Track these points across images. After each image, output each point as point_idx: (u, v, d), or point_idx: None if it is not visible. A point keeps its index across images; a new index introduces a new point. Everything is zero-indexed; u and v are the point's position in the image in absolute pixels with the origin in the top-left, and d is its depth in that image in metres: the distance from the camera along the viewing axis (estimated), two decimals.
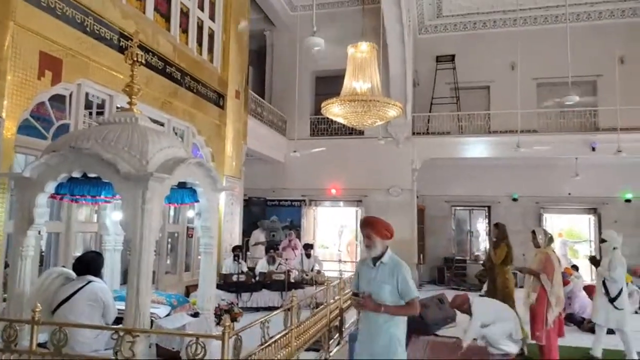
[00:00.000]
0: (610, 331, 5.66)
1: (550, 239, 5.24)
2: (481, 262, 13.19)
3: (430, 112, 13.23)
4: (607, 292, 5.40)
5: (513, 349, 5.53)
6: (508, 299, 5.82)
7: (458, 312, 7.35)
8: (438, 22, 13.95)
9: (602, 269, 5.54)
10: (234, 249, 8.49)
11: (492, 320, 5.56)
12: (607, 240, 5.66)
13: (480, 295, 10.57)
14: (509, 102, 12.13)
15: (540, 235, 5.21)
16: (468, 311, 5.68)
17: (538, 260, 5.13)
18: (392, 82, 12.20)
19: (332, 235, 13.28)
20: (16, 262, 3.50)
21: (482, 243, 14.11)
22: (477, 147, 12.60)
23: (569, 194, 12.94)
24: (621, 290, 5.40)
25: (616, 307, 5.34)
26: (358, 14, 12.91)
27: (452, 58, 13.55)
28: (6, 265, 4.29)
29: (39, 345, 3.13)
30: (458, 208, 14.27)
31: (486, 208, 13.87)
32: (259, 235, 8.75)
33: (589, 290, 7.51)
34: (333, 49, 11.11)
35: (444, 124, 12.92)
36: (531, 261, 5.38)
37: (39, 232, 3.68)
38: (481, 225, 14.17)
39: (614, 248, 5.58)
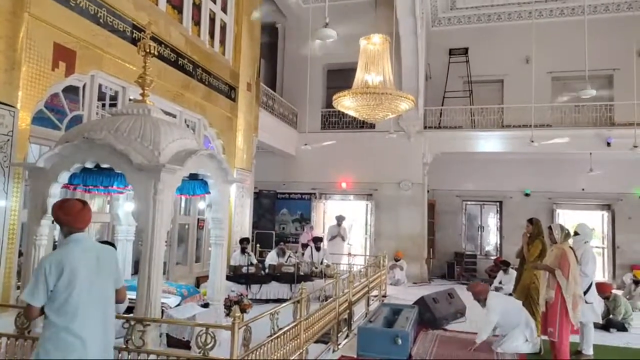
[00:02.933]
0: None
1: (567, 235, 5.18)
2: (492, 257, 13.15)
3: (442, 105, 13.11)
4: None
5: (527, 349, 5.51)
6: (534, 295, 5.79)
7: (468, 308, 7.37)
8: (451, 15, 13.77)
9: None
10: (241, 241, 8.51)
11: (504, 318, 5.56)
12: (580, 234, 5.65)
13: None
14: (523, 96, 11.95)
15: (557, 230, 5.16)
16: (483, 301, 5.70)
17: (554, 256, 5.07)
18: (405, 75, 12.08)
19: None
20: (30, 250, 3.56)
21: (493, 238, 14.02)
22: (489, 142, 12.45)
23: (583, 189, 12.74)
24: (591, 284, 5.46)
25: (586, 301, 5.34)
26: (370, 6, 12.80)
27: (465, 51, 13.37)
28: (20, 254, 4.36)
29: None
30: (469, 203, 14.15)
31: (498, 203, 13.74)
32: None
33: (601, 288, 7.43)
34: (345, 41, 11.05)
35: (456, 118, 12.79)
36: (547, 257, 5.33)
37: (53, 222, 3.73)
38: (492, 221, 14.06)
39: (585, 242, 5.62)
